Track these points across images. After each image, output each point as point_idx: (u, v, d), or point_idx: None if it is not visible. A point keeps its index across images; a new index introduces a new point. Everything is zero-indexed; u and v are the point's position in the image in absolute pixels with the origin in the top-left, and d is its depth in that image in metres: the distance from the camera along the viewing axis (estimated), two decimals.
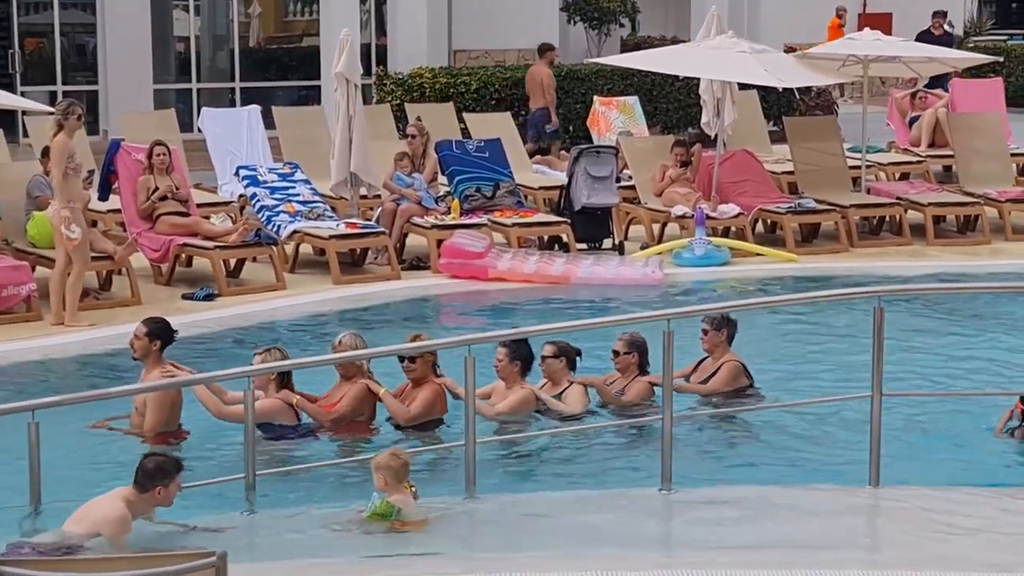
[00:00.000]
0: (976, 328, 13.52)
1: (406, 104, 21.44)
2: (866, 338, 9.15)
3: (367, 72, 23.15)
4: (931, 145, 21.42)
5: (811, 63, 18.39)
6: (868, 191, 18.49)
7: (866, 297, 9.79)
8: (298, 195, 16.11)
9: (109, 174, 15.51)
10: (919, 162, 20.97)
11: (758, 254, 16.55)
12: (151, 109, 22.92)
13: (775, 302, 12.79)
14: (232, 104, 24.87)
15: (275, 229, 15.52)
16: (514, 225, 16.35)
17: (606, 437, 10.38)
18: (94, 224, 15.63)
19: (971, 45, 30.00)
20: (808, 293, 13.51)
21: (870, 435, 9.09)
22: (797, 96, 24.00)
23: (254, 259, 15.31)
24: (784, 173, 19.13)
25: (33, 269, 13.94)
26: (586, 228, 16.81)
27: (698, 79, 18.99)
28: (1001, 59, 25.37)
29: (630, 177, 18.00)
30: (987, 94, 22.25)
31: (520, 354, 10.57)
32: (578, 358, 10.87)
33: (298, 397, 10.24)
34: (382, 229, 15.86)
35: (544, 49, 22.91)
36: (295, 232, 15.58)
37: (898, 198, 18.02)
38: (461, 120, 20.26)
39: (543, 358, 10.78)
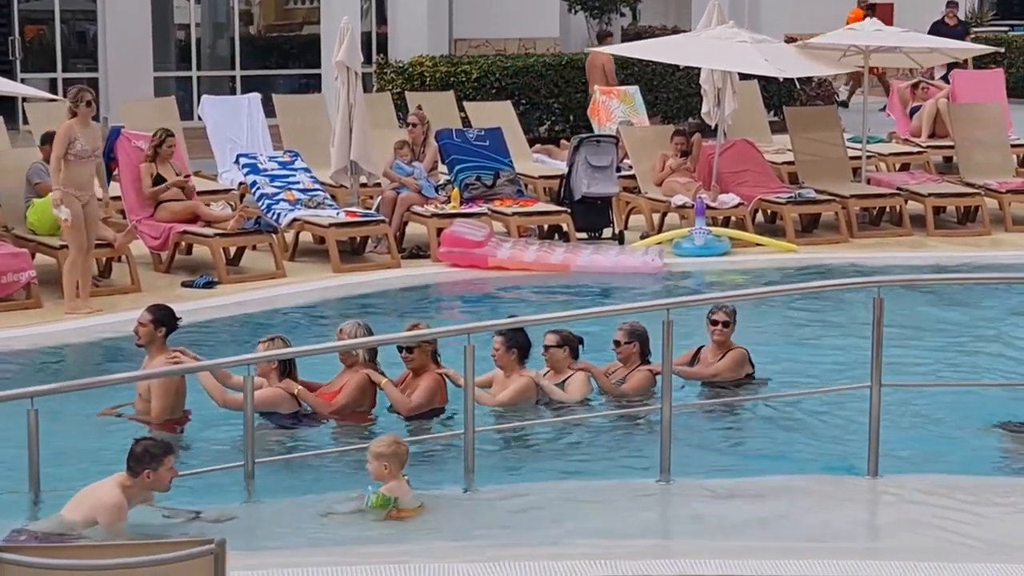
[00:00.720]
0: (975, 318, 13.51)
1: (406, 92, 21.42)
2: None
3: (367, 60, 23.12)
4: (932, 136, 21.41)
5: (812, 53, 18.38)
6: (868, 181, 18.48)
7: (865, 287, 9.80)
8: (298, 183, 16.11)
9: (109, 161, 15.50)
10: (919, 153, 20.94)
11: (758, 244, 16.55)
12: (151, 97, 22.88)
13: (774, 292, 12.84)
14: (232, 92, 24.84)
15: (275, 217, 15.52)
16: (514, 214, 16.34)
17: (605, 427, 10.38)
18: None
19: (972, 36, 29.95)
20: (808, 283, 13.50)
21: (869, 425, 9.09)
22: (798, 86, 23.98)
23: (254, 247, 15.31)
24: (784, 163, 19.12)
25: (33, 256, 13.94)
26: (586, 217, 16.81)
27: (699, 69, 18.98)
28: (1002, 50, 25.40)
29: (630, 166, 18.00)
30: (988, 85, 22.23)
31: (516, 342, 10.57)
32: (580, 346, 10.86)
33: (299, 387, 10.23)
34: (382, 217, 15.86)
35: (603, 36, 24.04)
36: (295, 220, 15.57)
37: (898, 188, 18.01)
38: (461, 109, 20.24)
39: (546, 347, 10.78)
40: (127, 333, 11.00)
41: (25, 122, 19.59)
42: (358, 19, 22.74)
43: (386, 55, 24.93)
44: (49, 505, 8.42)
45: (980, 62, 24.41)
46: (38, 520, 8.31)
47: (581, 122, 22.27)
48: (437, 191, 16.66)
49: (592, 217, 16.91)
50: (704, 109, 18.54)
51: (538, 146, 20.75)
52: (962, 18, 27.32)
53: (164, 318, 10.26)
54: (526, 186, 17.89)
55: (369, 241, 15.92)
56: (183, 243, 15.14)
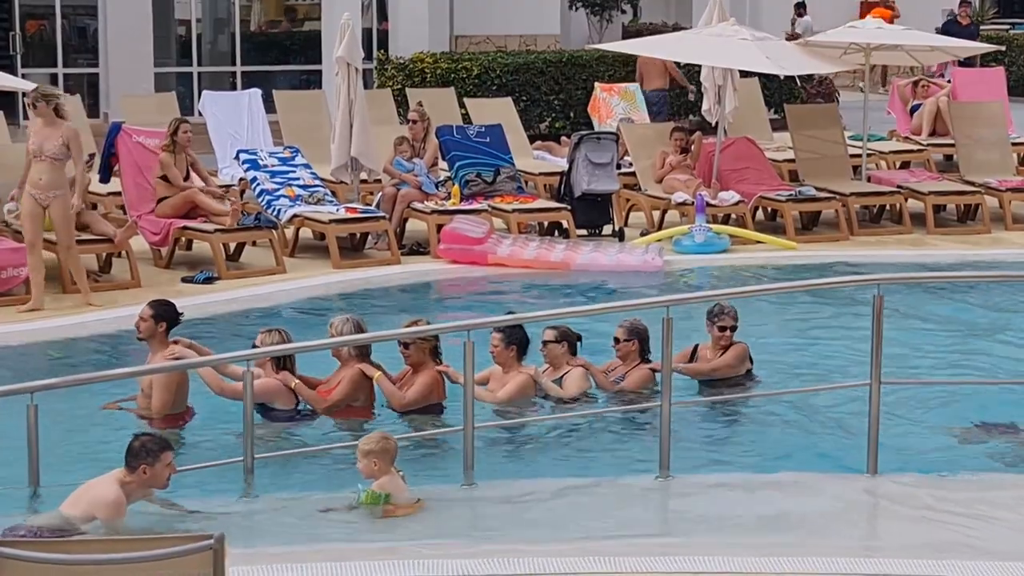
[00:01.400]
0: (974, 316, 13.52)
1: (407, 89, 21.42)
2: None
3: (368, 57, 23.13)
4: (932, 134, 21.41)
5: (813, 51, 18.38)
6: (869, 179, 18.48)
7: (866, 285, 9.80)
8: (298, 179, 16.11)
9: (110, 156, 15.51)
10: (920, 151, 20.95)
11: (758, 241, 16.55)
12: (152, 92, 22.91)
13: (774, 289, 12.82)
14: (233, 88, 24.84)
15: (275, 213, 15.52)
16: (514, 211, 16.35)
17: (605, 423, 10.38)
18: (94, 207, 15.62)
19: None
20: (808, 281, 13.51)
21: (868, 423, 9.09)
22: (798, 84, 23.98)
23: (254, 243, 15.31)
24: (785, 161, 19.12)
25: None
26: (586, 214, 16.81)
27: (699, 66, 18.97)
28: (1003, 48, 25.38)
29: (630, 164, 18.00)
30: (989, 83, 22.24)
31: (515, 339, 10.56)
32: (579, 342, 10.86)
33: (296, 381, 10.23)
34: (382, 214, 15.86)
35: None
36: (295, 216, 15.58)
37: (898, 186, 18.01)
38: (462, 105, 20.24)
39: (544, 343, 10.78)
40: (127, 328, 11.01)
41: (26, 117, 19.57)
42: (359, 15, 22.72)
43: (387, 51, 24.93)
44: (48, 501, 8.42)
45: (981, 60, 24.41)
46: (37, 515, 8.31)
47: (581, 119, 22.27)
48: (437, 187, 16.66)
49: (592, 214, 16.91)
50: (705, 106, 18.55)
51: (539, 143, 20.75)
52: (955, 15, 27.33)
53: (165, 313, 10.26)
54: (526, 183, 17.89)
55: (369, 237, 15.92)
56: (183, 239, 15.14)
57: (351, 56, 16.19)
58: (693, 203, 16.43)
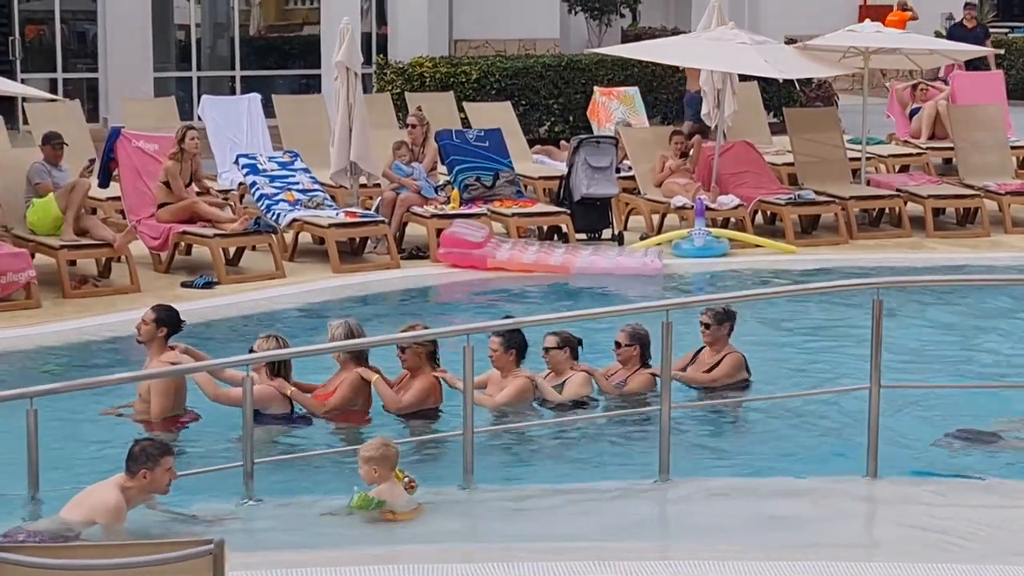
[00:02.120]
0: (975, 320, 13.52)
1: (406, 93, 21.42)
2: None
3: (367, 61, 23.13)
4: (931, 137, 21.41)
5: (812, 54, 18.38)
6: (868, 183, 18.49)
7: (865, 289, 9.80)
8: (298, 184, 16.11)
9: (109, 161, 15.52)
10: (919, 154, 20.95)
11: (757, 245, 16.55)
12: (151, 97, 22.91)
13: (774, 293, 12.83)
14: (232, 92, 24.85)
15: (274, 217, 15.52)
16: (514, 215, 16.35)
17: (604, 428, 10.38)
18: (94, 211, 15.62)
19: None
20: (807, 284, 13.51)
21: (868, 426, 9.10)
22: (797, 87, 23.98)
23: (253, 247, 15.30)
24: (784, 164, 19.13)
25: (32, 256, 13.94)
26: (586, 218, 16.81)
27: (698, 70, 18.97)
28: (1002, 52, 25.39)
29: (630, 167, 18.00)
30: (988, 86, 22.24)
31: (514, 343, 10.56)
32: (580, 347, 10.86)
33: (292, 388, 10.22)
34: (381, 218, 15.86)
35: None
36: (294, 220, 15.58)
37: (898, 190, 18.01)
38: (461, 110, 20.24)
39: (546, 349, 10.78)
40: (127, 333, 11.01)
41: (25, 122, 19.59)
42: (358, 20, 22.73)
43: (386, 56, 24.94)
44: (48, 505, 8.42)
45: (980, 64, 24.40)
46: (37, 520, 8.31)
47: (581, 123, 22.28)
48: (437, 192, 16.66)
49: (592, 218, 16.91)
50: (704, 110, 18.54)
51: (538, 147, 20.75)
52: (959, 19, 27.34)
53: (167, 318, 10.26)
54: (525, 187, 17.89)
55: (368, 242, 15.92)
56: (182, 243, 15.14)
57: (350, 60, 16.19)
58: (692, 207, 16.43)
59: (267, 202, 15.77)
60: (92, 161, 15.55)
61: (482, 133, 17.40)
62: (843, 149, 18.63)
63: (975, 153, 19.02)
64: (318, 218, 15.52)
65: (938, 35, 25.63)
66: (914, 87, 22.28)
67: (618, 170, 17.50)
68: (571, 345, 10.79)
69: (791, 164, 18.81)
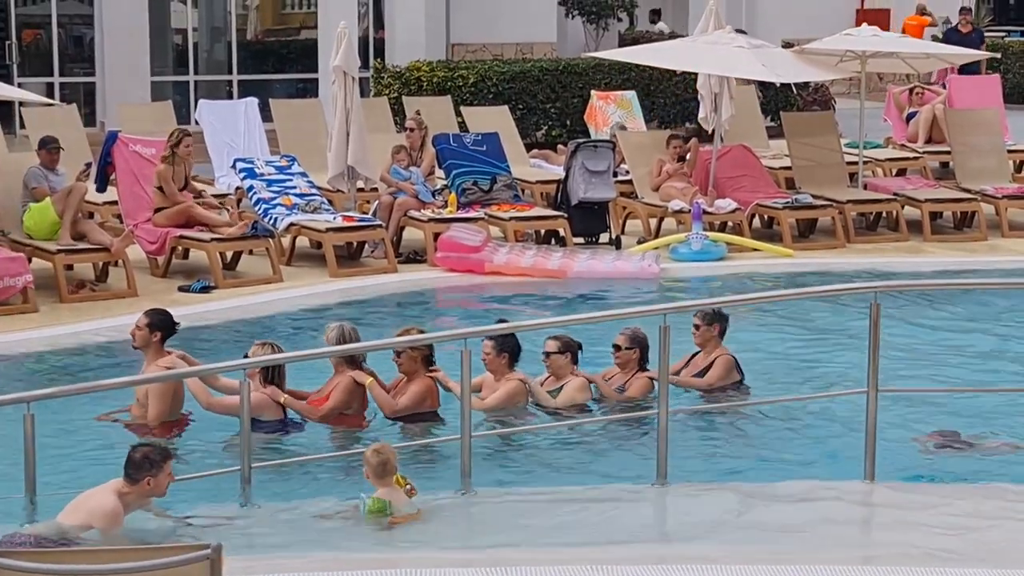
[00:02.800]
0: (972, 324, 13.52)
1: (404, 97, 21.42)
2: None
3: (365, 65, 23.13)
4: (928, 141, 21.42)
5: (809, 58, 18.39)
6: (865, 187, 18.49)
7: (862, 293, 9.80)
8: (295, 188, 16.11)
9: (106, 165, 15.52)
10: (916, 158, 20.96)
11: (755, 249, 16.56)
12: (148, 101, 22.91)
13: (771, 297, 12.83)
14: (229, 96, 24.85)
15: (272, 222, 15.52)
16: (511, 219, 16.35)
17: (602, 431, 10.38)
18: (91, 216, 15.62)
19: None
20: (804, 288, 13.51)
21: (865, 430, 9.10)
22: (795, 91, 23.99)
23: (250, 252, 15.30)
24: (781, 168, 19.13)
25: (29, 261, 13.92)
26: (583, 222, 16.81)
27: (696, 74, 18.98)
28: (999, 55, 25.39)
29: (627, 171, 18.00)
30: (984, 90, 22.26)
31: (507, 346, 10.56)
32: (580, 351, 10.85)
33: (285, 396, 10.21)
34: (379, 222, 15.85)
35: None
36: (292, 225, 15.58)
37: (895, 194, 18.02)
38: (459, 114, 20.24)
39: (547, 353, 10.78)
40: (123, 337, 10.99)
41: (22, 126, 19.59)
42: (355, 24, 22.77)
43: (383, 60, 24.94)
44: (45, 510, 8.41)
45: (972, 67, 24.40)
46: (34, 525, 8.30)
47: (578, 127, 22.29)
48: (434, 196, 16.66)
49: (589, 222, 16.91)
50: (701, 114, 18.55)
51: (535, 150, 20.75)
52: (955, 24, 27.36)
53: (160, 322, 10.26)
54: (523, 191, 17.89)
55: (366, 246, 15.91)
56: (180, 247, 15.14)
57: (348, 65, 16.19)
58: (690, 211, 16.44)
59: (264, 206, 15.77)
60: (89, 165, 15.55)
61: (479, 137, 17.40)
62: (840, 153, 18.63)
63: (972, 157, 19.03)
64: (315, 222, 15.52)
65: (935, 39, 25.62)
66: (911, 91, 22.29)
67: (615, 174, 17.50)
68: (572, 350, 10.80)
69: (788, 168, 18.82)
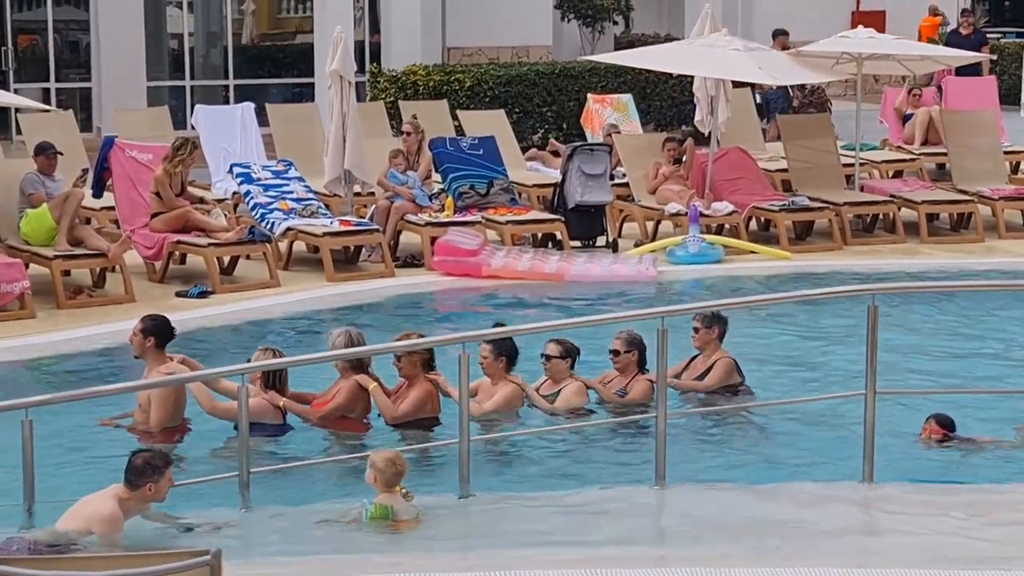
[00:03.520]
0: (969, 325, 13.52)
1: (400, 101, 21.41)
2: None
3: (361, 69, 23.13)
4: (924, 143, 21.43)
5: (805, 61, 18.39)
6: (862, 189, 18.49)
7: (860, 295, 9.80)
8: (292, 192, 16.10)
9: (103, 171, 15.51)
10: (913, 160, 20.97)
11: (752, 252, 16.56)
12: (144, 106, 22.89)
13: (768, 300, 12.83)
14: (226, 101, 24.83)
15: (269, 226, 15.51)
16: (508, 223, 16.35)
17: (600, 434, 10.38)
18: (88, 221, 15.61)
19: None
20: (801, 291, 13.51)
21: (864, 432, 9.10)
22: (791, 93, 23.98)
23: (248, 256, 15.30)
24: (778, 171, 19.13)
25: (27, 266, 13.91)
26: (580, 226, 16.81)
27: (692, 77, 18.98)
28: (994, 57, 25.40)
29: (624, 175, 18.00)
30: (981, 92, 22.27)
31: (504, 350, 10.56)
32: (577, 356, 10.85)
33: (285, 400, 10.21)
34: (376, 226, 15.85)
35: (777, 34, 23.45)
36: (289, 229, 15.57)
37: (892, 196, 18.02)
38: (455, 117, 20.24)
39: (548, 357, 10.77)
40: (121, 343, 10.99)
41: (18, 132, 19.58)
42: (351, 28, 22.75)
43: (379, 64, 24.94)
44: (45, 516, 8.40)
45: (972, 69, 24.42)
46: (33, 530, 8.30)
47: (574, 130, 22.28)
48: (431, 200, 16.66)
49: (586, 225, 16.91)
50: (697, 117, 18.55)
51: (532, 151, 20.73)
52: (954, 25, 27.37)
53: (152, 328, 10.23)
54: (520, 194, 17.89)
55: (363, 250, 15.91)
56: (177, 253, 15.13)
57: (344, 69, 16.20)
58: (686, 214, 16.43)
59: (261, 211, 15.76)
60: (86, 171, 15.55)
61: (476, 141, 17.41)
62: (837, 155, 18.64)
63: (969, 158, 19.04)
64: (312, 227, 15.51)
65: (932, 42, 25.62)
66: (908, 92, 22.30)
67: (612, 177, 17.50)
68: (573, 356, 10.80)
69: (785, 170, 18.81)
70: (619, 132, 19.65)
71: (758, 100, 21.90)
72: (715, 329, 11.15)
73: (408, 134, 17.19)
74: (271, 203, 15.85)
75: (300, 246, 15.81)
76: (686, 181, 17.53)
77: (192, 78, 26.24)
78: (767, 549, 8.21)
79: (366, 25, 27.01)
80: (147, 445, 9.38)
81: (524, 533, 8.53)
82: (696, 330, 11.13)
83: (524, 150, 20.50)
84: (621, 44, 28.64)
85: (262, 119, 19.25)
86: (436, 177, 17.18)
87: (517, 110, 23.02)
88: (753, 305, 12.88)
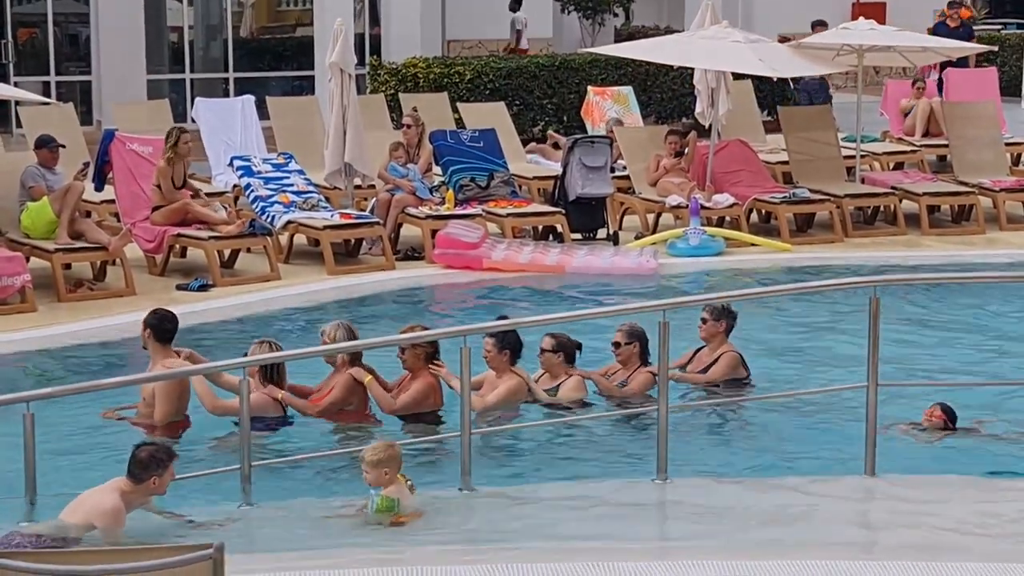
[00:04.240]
0: (970, 317, 13.52)
1: (400, 94, 21.40)
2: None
3: (361, 62, 23.12)
4: (925, 135, 21.42)
5: (805, 53, 18.37)
6: (863, 181, 18.48)
7: (861, 287, 9.79)
8: (292, 185, 16.09)
9: (103, 164, 15.50)
10: (914, 152, 20.96)
11: (753, 244, 16.55)
12: (144, 99, 22.88)
13: (769, 292, 12.83)
14: (226, 94, 24.82)
15: (269, 219, 15.50)
16: (508, 215, 16.34)
17: (602, 428, 10.38)
18: (88, 214, 15.60)
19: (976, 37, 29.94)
20: (803, 283, 13.50)
21: (866, 424, 9.10)
22: (792, 86, 23.98)
23: (248, 250, 15.29)
24: (779, 163, 19.12)
25: (27, 260, 13.91)
26: (581, 218, 16.80)
27: (692, 69, 18.97)
28: (995, 48, 25.38)
29: (624, 167, 17.99)
30: (981, 83, 22.26)
31: (508, 343, 10.55)
32: (577, 352, 10.83)
33: (283, 393, 10.20)
34: (376, 219, 15.84)
35: (815, 24, 23.21)
36: (289, 222, 15.56)
37: (893, 188, 18.02)
38: (455, 110, 20.23)
39: (542, 350, 10.77)
40: (122, 336, 10.99)
41: (19, 125, 19.57)
42: (351, 20, 22.73)
43: (379, 56, 24.92)
44: (46, 510, 8.40)
45: (962, 62, 24.39)
46: (35, 524, 8.30)
47: (574, 123, 22.27)
48: (432, 193, 16.65)
49: (586, 218, 16.90)
50: (698, 109, 18.55)
51: (532, 144, 20.72)
52: (943, 18, 27.32)
53: (152, 321, 10.21)
54: (520, 187, 17.88)
55: (364, 243, 15.91)
56: (177, 246, 15.12)
57: (344, 62, 16.18)
58: (687, 206, 16.43)
59: (262, 204, 15.75)
60: (86, 164, 15.54)
61: (476, 133, 17.39)
62: (837, 147, 18.63)
63: (970, 150, 19.03)
64: (313, 220, 15.50)
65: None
66: (912, 83, 22.29)
67: (612, 169, 17.49)
68: (566, 350, 10.76)
69: (786, 162, 18.81)
70: (622, 126, 19.64)
71: (797, 92, 21.91)
72: (723, 323, 11.14)
73: (408, 127, 17.18)
74: (271, 196, 15.85)
75: (301, 239, 15.80)
76: (687, 173, 17.53)
77: (192, 71, 26.23)
78: (769, 542, 8.21)
79: (366, 18, 27.00)
80: (151, 438, 9.39)
81: (525, 526, 8.53)
82: (704, 320, 11.12)
83: (524, 143, 20.51)
84: (621, 36, 28.62)
85: (262, 112, 19.24)
86: (436, 170, 17.18)
87: (517, 103, 23.01)
88: (753, 297, 12.88)
